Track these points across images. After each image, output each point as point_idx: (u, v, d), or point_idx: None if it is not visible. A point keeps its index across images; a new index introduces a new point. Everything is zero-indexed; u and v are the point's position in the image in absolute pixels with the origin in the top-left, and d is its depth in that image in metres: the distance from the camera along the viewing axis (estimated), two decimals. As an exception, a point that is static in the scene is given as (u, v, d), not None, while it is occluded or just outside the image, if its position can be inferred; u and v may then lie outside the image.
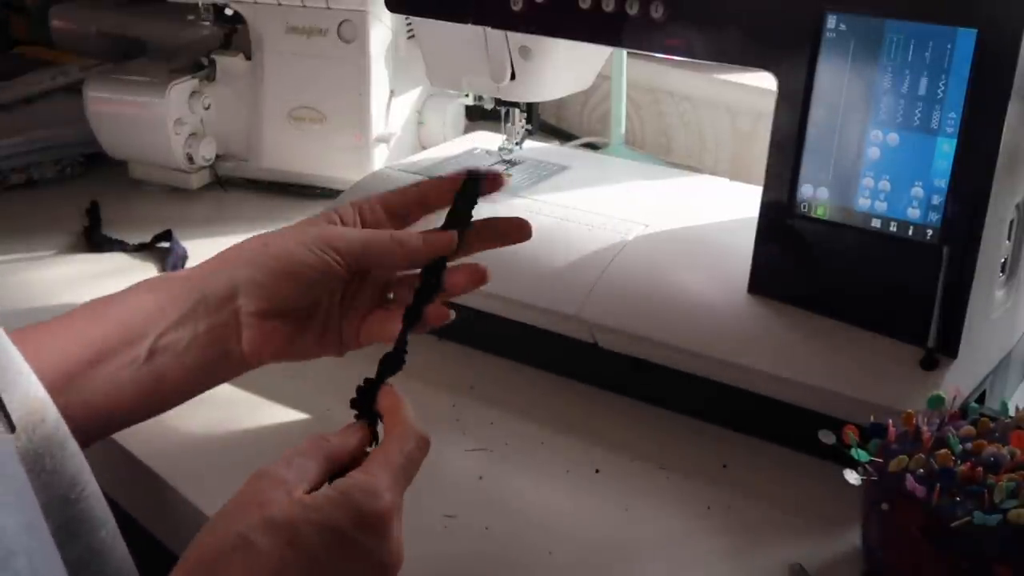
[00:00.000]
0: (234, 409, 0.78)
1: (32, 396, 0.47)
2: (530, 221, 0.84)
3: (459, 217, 0.62)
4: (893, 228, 0.66)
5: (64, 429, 0.48)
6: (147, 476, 0.71)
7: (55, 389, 0.52)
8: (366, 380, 0.56)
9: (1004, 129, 0.61)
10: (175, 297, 0.58)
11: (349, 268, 0.59)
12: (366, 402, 0.56)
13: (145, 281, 0.60)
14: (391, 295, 0.63)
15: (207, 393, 0.79)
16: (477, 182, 0.63)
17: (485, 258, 0.84)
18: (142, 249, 1.04)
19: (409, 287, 0.61)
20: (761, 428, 0.73)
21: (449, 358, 0.75)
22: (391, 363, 0.57)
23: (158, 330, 0.57)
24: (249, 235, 1.11)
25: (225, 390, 0.79)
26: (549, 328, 0.80)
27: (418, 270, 0.61)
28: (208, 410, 0.77)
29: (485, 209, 0.86)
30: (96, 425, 0.57)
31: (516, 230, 0.64)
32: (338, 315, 0.62)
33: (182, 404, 0.75)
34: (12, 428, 0.44)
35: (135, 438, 0.73)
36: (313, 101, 1.13)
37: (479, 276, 0.63)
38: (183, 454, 0.72)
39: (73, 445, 0.49)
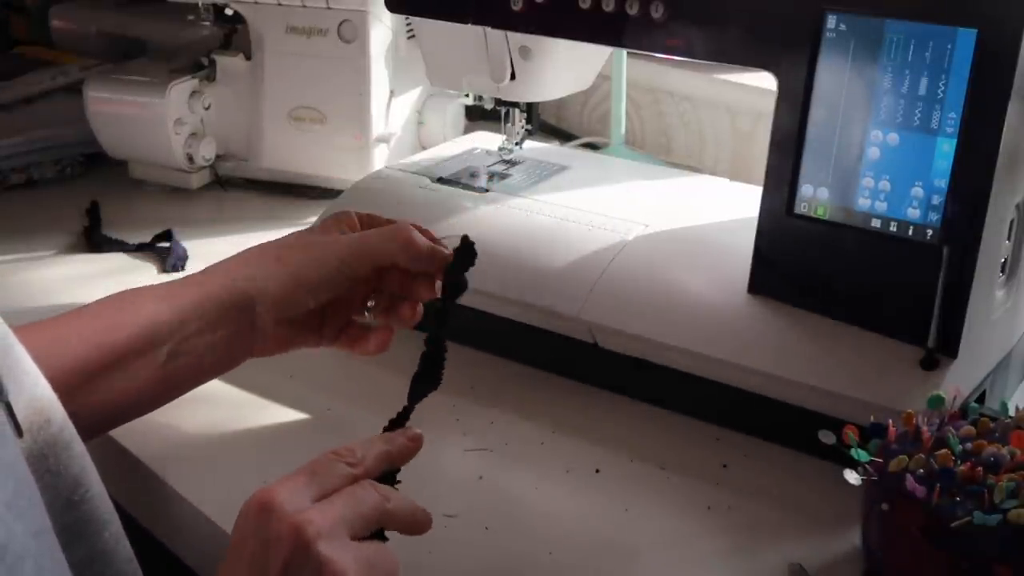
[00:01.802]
0: (234, 409, 0.78)
1: (38, 397, 0.47)
2: (530, 221, 0.85)
3: (455, 276, 0.66)
4: (893, 228, 0.66)
5: (70, 430, 0.48)
6: (147, 476, 0.71)
7: (72, 387, 0.55)
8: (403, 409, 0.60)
9: (1004, 129, 0.61)
10: (194, 306, 0.61)
11: (355, 272, 0.64)
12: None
13: (153, 288, 0.63)
14: (370, 303, 0.68)
15: (207, 393, 0.79)
16: (472, 247, 0.66)
17: (484, 257, 0.84)
18: (142, 249, 1.04)
19: (388, 302, 0.67)
20: (761, 428, 0.73)
21: (449, 358, 0.75)
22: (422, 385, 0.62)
23: (177, 339, 0.60)
24: (249, 235, 1.12)
25: (225, 390, 0.80)
26: (549, 328, 0.80)
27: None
28: (208, 410, 0.77)
29: (486, 210, 0.87)
30: (112, 417, 0.61)
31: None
32: (328, 316, 0.67)
33: (183, 401, 0.75)
34: (20, 433, 0.44)
35: (135, 438, 0.73)
36: (313, 101, 1.13)
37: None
38: (183, 454, 0.72)
39: (79, 446, 0.49)
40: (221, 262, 0.65)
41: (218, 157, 1.19)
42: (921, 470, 0.55)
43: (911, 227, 0.66)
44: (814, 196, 0.69)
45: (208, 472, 0.70)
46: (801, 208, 0.70)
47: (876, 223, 0.67)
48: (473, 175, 0.94)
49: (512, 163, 0.97)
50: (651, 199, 0.88)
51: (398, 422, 0.59)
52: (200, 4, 1.17)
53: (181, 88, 1.13)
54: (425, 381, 0.62)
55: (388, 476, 0.54)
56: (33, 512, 0.42)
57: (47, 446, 0.47)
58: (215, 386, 0.80)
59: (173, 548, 0.72)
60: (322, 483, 0.51)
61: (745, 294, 0.73)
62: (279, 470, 0.70)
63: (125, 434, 0.74)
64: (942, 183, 0.64)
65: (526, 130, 0.97)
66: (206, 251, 1.04)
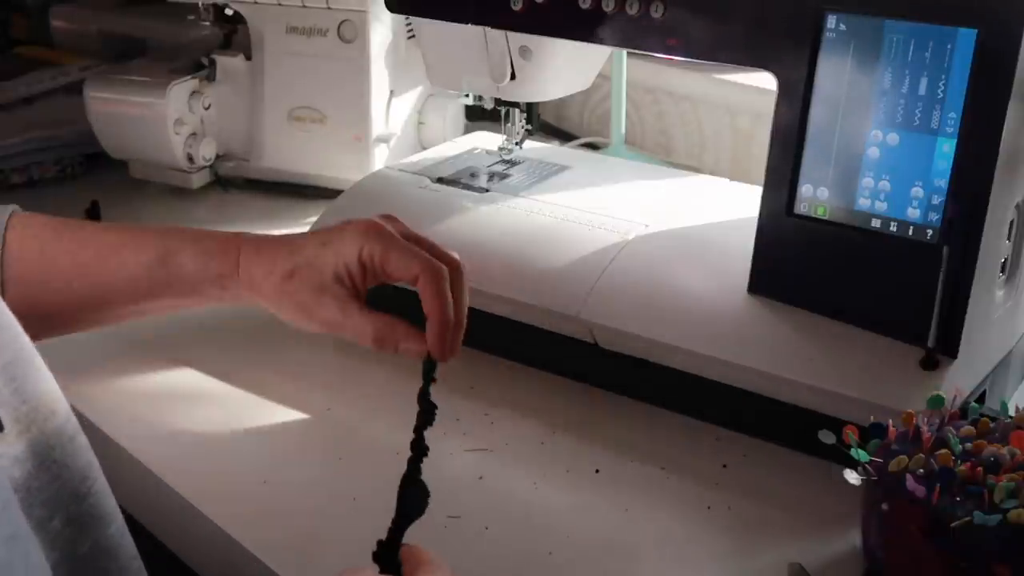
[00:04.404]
0: (234, 409, 0.78)
1: (43, 388, 0.47)
2: (530, 221, 0.85)
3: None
4: (893, 228, 0.66)
5: (74, 423, 0.49)
6: (146, 476, 0.71)
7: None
8: (388, 534, 0.57)
9: (1004, 129, 0.61)
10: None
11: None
12: (389, 558, 0.56)
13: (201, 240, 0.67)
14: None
15: (207, 392, 0.79)
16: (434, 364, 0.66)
17: (484, 255, 0.84)
18: (142, 249, 1.04)
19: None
20: (761, 428, 0.73)
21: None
22: (411, 504, 0.59)
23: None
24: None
25: (225, 390, 0.80)
26: (549, 328, 0.80)
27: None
28: (208, 410, 0.77)
29: (486, 210, 0.87)
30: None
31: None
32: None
33: (182, 401, 0.75)
34: (0, 427, 0.44)
35: (135, 438, 0.73)
36: (313, 101, 1.13)
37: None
38: (183, 454, 0.72)
39: (83, 439, 0.49)
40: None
41: (218, 157, 1.19)
42: (921, 470, 0.55)
43: (911, 227, 0.66)
44: (814, 196, 0.69)
45: (208, 472, 0.70)
46: (801, 208, 0.70)
47: (876, 223, 0.67)
48: (473, 175, 0.94)
49: (512, 163, 0.97)
50: (651, 199, 0.88)
51: (387, 553, 0.57)
52: (200, 4, 1.17)
53: (181, 88, 1.13)
54: (409, 512, 0.60)
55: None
56: (9, 519, 0.42)
57: (53, 436, 0.47)
58: (215, 386, 0.80)
59: (172, 547, 0.72)
60: None
61: (745, 294, 0.73)
62: (279, 470, 0.70)
63: (124, 434, 0.74)
64: (942, 183, 0.64)
65: (526, 130, 0.97)
66: (206, 251, 1.04)
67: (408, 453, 0.60)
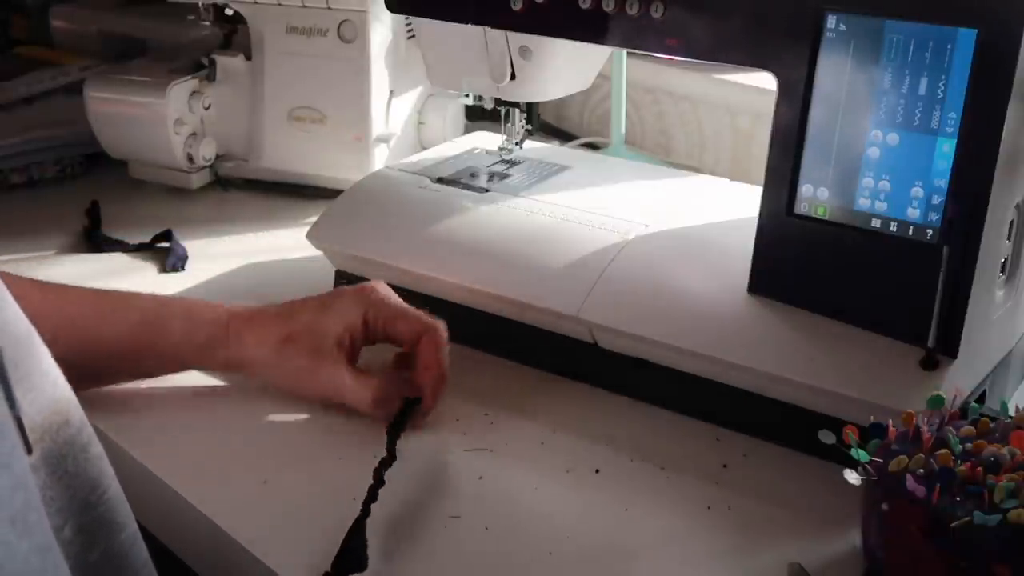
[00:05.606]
0: (234, 409, 0.77)
1: (57, 398, 0.47)
2: (530, 221, 0.85)
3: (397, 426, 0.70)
4: (893, 228, 0.66)
5: (88, 431, 0.49)
6: (146, 476, 0.71)
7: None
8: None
9: (1004, 129, 0.61)
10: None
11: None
12: None
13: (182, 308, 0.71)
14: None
15: (207, 392, 0.79)
16: (414, 403, 0.71)
17: (484, 255, 0.84)
18: (142, 249, 1.04)
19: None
20: (761, 428, 0.73)
21: (449, 358, 0.75)
22: (356, 546, 0.60)
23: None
24: (249, 235, 1.12)
25: (225, 390, 0.80)
26: (549, 328, 0.80)
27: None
28: (208, 411, 0.77)
29: (486, 210, 0.87)
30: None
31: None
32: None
33: (182, 401, 0.75)
34: (29, 450, 0.44)
35: (135, 439, 0.73)
36: (313, 101, 1.13)
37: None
38: (183, 455, 0.72)
39: (97, 448, 0.49)
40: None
41: (218, 157, 1.19)
42: (921, 470, 0.55)
43: (911, 227, 0.66)
44: (814, 196, 0.69)
45: (208, 472, 0.70)
46: (801, 208, 0.70)
47: (876, 223, 0.67)
48: (473, 175, 0.94)
49: (512, 163, 0.97)
50: (651, 199, 0.88)
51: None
52: (200, 4, 1.17)
53: (181, 88, 1.13)
54: (354, 555, 0.60)
55: None
56: (42, 529, 0.42)
57: (66, 446, 0.47)
58: (215, 386, 0.80)
59: (173, 547, 0.72)
60: None
61: (745, 294, 0.73)
62: (279, 471, 0.70)
63: (124, 435, 0.74)
64: (942, 183, 0.64)
65: (526, 130, 0.97)
66: (206, 251, 1.04)
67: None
